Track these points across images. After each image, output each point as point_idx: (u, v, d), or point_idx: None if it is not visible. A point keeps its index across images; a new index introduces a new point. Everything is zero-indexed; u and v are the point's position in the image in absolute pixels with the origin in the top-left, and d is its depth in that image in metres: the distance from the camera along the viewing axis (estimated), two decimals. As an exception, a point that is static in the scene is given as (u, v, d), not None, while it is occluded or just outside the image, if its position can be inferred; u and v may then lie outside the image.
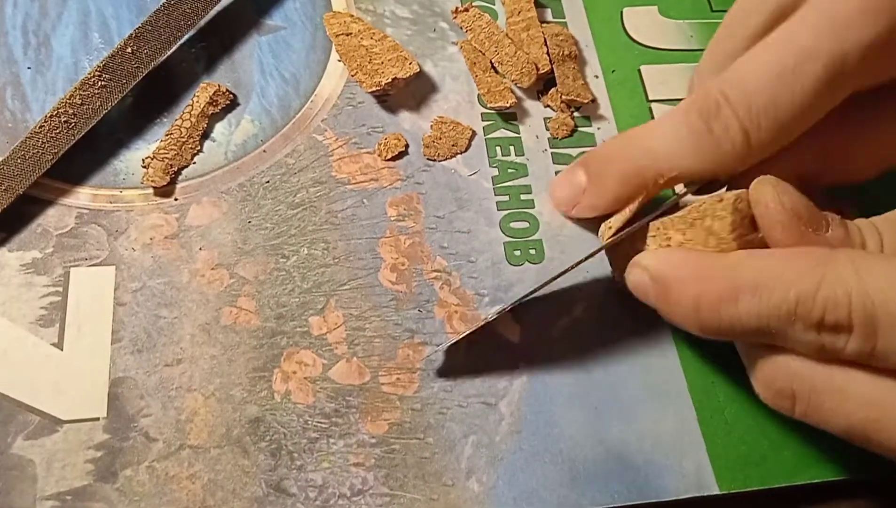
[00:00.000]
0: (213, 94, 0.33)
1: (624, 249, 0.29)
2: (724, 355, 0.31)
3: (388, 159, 0.33)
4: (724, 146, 0.27)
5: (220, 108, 0.33)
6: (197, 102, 0.32)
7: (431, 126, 0.34)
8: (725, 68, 0.28)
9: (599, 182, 0.30)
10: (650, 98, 0.37)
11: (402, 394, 0.28)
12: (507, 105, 0.34)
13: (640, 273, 0.27)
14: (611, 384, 0.30)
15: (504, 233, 0.32)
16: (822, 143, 0.28)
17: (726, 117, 0.27)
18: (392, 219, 0.32)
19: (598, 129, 0.35)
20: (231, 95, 0.33)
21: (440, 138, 0.33)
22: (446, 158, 0.33)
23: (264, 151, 0.32)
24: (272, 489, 0.26)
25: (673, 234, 0.27)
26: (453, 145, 0.33)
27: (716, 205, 0.26)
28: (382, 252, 0.31)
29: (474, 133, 0.34)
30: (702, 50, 0.38)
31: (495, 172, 0.33)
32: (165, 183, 0.31)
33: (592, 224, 0.33)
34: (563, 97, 0.35)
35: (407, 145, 0.33)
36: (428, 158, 0.33)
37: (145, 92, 0.33)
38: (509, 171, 0.34)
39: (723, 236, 0.26)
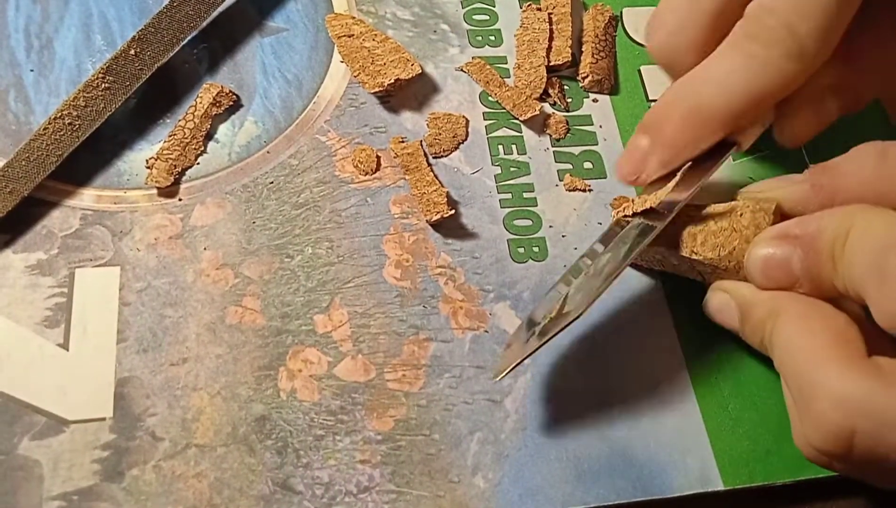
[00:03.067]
0: (217, 95, 0.33)
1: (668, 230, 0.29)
2: (728, 350, 0.31)
3: (366, 174, 0.33)
4: (776, 59, 0.27)
5: (223, 109, 0.33)
6: (200, 102, 0.32)
7: (427, 124, 0.34)
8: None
9: (662, 135, 0.29)
10: (650, 98, 0.37)
11: (408, 391, 0.28)
12: (537, 113, 0.34)
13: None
14: (615, 380, 0.30)
15: (508, 230, 0.32)
16: (858, 54, 0.29)
17: (772, 28, 0.27)
18: (396, 216, 0.32)
19: (601, 127, 0.35)
20: (234, 97, 0.33)
21: (440, 134, 0.34)
22: (451, 151, 0.34)
23: (268, 152, 0.33)
24: (279, 486, 0.26)
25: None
26: (454, 137, 0.34)
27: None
28: (387, 249, 0.31)
29: (468, 120, 0.34)
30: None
31: (498, 170, 0.34)
32: (169, 183, 0.31)
33: (592, 224, 0.33)
34: (588, 79, 0.36)
35: (379, 157, 0.33)
36: (434, 155, 0.33)
37: (148, 94, 0.33)
38: (511, 169, 0.34)
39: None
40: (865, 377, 0.23)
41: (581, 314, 0.26)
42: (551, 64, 0.36)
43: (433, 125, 0.34)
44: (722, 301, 0.29)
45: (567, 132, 0.35)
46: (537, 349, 0.26)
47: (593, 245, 0.30)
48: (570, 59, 0.36)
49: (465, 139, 0.34)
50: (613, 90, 0.37)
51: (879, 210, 0.25)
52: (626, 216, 0.30)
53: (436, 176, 0.32)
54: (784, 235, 0.27)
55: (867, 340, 0.25)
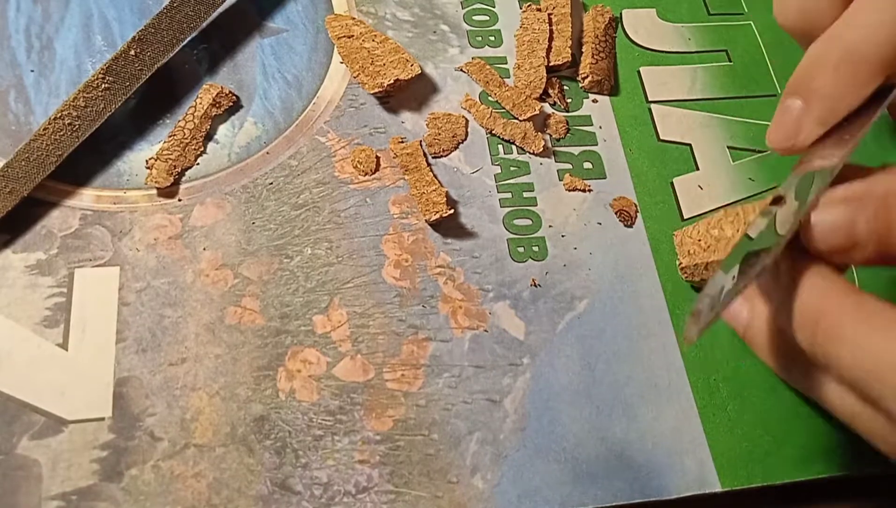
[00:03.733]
0: (217, 95, 0.33)
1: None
2: (726, 352, 0.31)
3: (366, 174, 0.33)
4: None
5: (223, 109, 0.33)
6: (200, 103, 0.33)
7: (427, 124, 0.34)
8: None
9: (816, 91, 0.27)
10: (650, 99, 0.37)
11: (407, 391, 0.28)
12: (537, 112, 0.34)
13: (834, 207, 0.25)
14: (614, 381, 0.30)
15: (507, 230, 0.32)
16: None
17: None
18: (395, 216, 0.32)
19: (601, 127, 0.35)
20: (234, 97, 0.33)
21: (440, 134, 0.34)
22: (451, 151, 0.34)
23: (267, 152, 0.33)
24: (277, 487, 0.26)
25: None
26: (453, 137, 0.34)
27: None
28: (386, 249, 0.31)
29: (467, 120, 0.34)
30: (700, 52, 0.39)
31: (497, 169, 0.34)
32: (169, 184, 0.31)
33: (592, 224, 0.33)
34: (588, 79, 0.36)
35: (378, 158, 0.33)
36: (434, 155, 0.33)
37: (148, 94, 0.33)
38: (511, 169, 0.34)
39: None
40: None
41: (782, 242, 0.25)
42: (551, 64, 0.36)
43: (432, 125, 0.34)
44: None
45: (567, 132, 0.35)
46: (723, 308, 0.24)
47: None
48: (569, 59, 0.36)
49: (465, 139, 0.34)
50: (613, 91, 0.37)
51: None
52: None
53: (435, 176, 0.32)
54: (848, 197, 0.25)
55: None
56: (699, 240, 0.31)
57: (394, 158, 0.33)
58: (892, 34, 0.26)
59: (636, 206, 0.34)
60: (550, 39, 0.36)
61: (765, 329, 0.28)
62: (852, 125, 0.27)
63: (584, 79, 0.36)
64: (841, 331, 0.24)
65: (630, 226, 0.33)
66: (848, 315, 0.24)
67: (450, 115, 0.34)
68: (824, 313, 0.24)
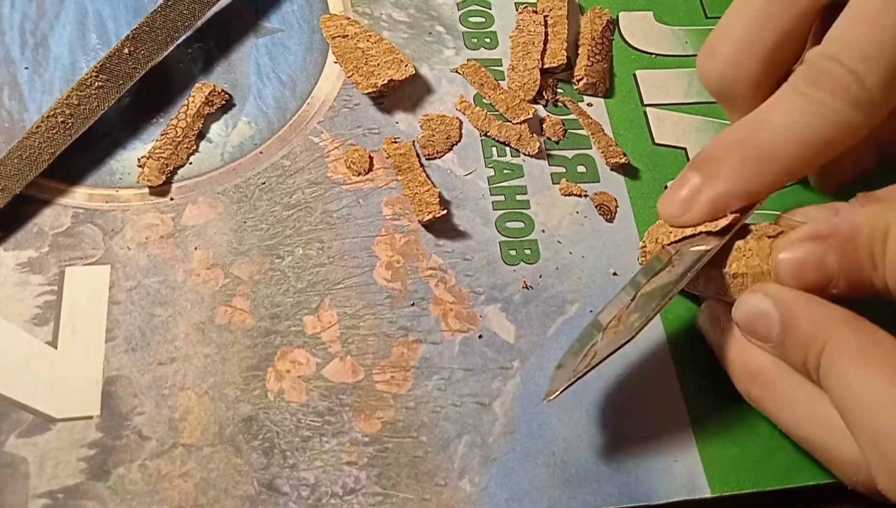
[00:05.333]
0: (209, 94, 0.33)
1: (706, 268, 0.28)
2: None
3: (359, 175, 0.33)
4: (842, 107, 0.26)
5: (215, 108, 0.33)
6: (192, 101, 0.32)
7: (421, 126, 0.34)
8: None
9: (718, 174, 0.28)
10: (645, 102, 0.37)
11: (396, 392, 0.28)
12: (531, 116, 0.34)
13: (763, 302, 0.27)
14: (603, 385, 0.30)
15: (500, 232, 0.32)
16: None
17: (838, 76, 0.26)
18: (387, 218, 0.32)
19: (591, 134, 0.35)
20: (227, 96, 0.33)
21: (433, 136, 0.34)
22: (445, 153, 0.34)
23: (261, 152, 0.33)
24: (264, 487, 0.26)
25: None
26: (447, 138, 0.34)
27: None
28: (377, 250, 0.31)
29: (461, 122, 0.34)
30: (696, 56, 0.38)
31: (491, 172, 0.34)
32: (161, 182, 0.31)
33: (585, 227, 0.33)
34: (583, 81, 0.36)
35: (371, 158, 0.33)
36: (428, 157, 0.33)
37: (142, 92, 0.33)
38: (505, 171, 0.34)
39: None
40: None
41: (633, 337, 0.26)
42: (546, 66, 0.36)
43: (426, 127, 0.34)
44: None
45: (564, 135, 0.35)
46: (588, 372, 0.25)
47: (635, 277, 0.29)
48: (565, 61, 0.36)
49: (459, 141, 0.34)
50: (608, 94, 0.37)
51: None
52: (671, 243, 0.29)
53: (428, 176, 0.32)
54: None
55: None
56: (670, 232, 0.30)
57: (387, 158, 0.33)
58: (803, 141, 0.27)
59: (616, 201, 0.34)
60: (546, 42, 0.36)
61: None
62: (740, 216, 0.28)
63: (578, 81, 0.36)
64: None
65: (610, 221, 0.33)
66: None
67: (444, 116, 0.34)
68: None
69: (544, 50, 0.36)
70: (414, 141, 0.33)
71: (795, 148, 0.27)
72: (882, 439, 0.23)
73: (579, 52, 0.37)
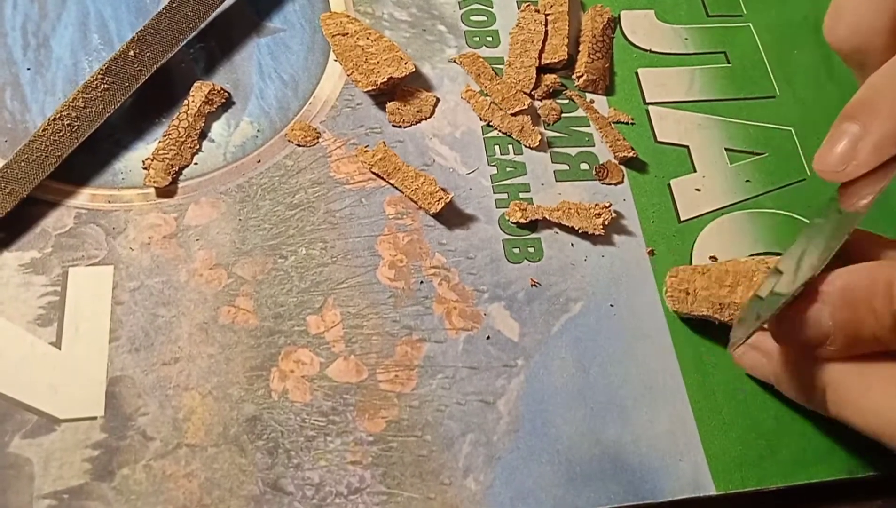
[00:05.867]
0: (209, 93, 0.33)
1: None
2: (722, 355, 0.31)
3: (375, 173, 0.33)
4: None
5: (216, 106, 0.33)
6: (193, 101, 0.32)
7: (396, 95, 0.34)
8: None
9: (878, 117, 0.26)
10: (647, 101, 0.37)
11: (400, 392, 0.28)
12: (526, 107, 0.34)
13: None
14: (608, 384, 0.30)
15: (503, 230, 0.32)
16: None
17: None
18: (390, 217, 0.32)
19: (599, 128, 0.35)
20: (226, 94, 0.33)
21: (404, 106, 0.34)
22: (412, 124, 0.34)
23: (263, 152, 0.33)
24: (269, 487, 0.26)
25: None
26: (418, 112, 0.34)
27: None
28: (381, 250, 0.31)
29: (437, 100, 0.35)
30: (698, 54, 0.38)
31: (494, 170, 0.33)
32: (167, 183, 0.31)
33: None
34: (583, 78, 0.36)
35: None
36: (394, 125, 0.34)
37: (145, 93, 0.33)
38: (508, 169, 0.34)
39: None
40: None
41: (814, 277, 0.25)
42: (547, 62, 0.36)
43: (400, 97, 0.34)
44: (755, 361, 0.29)
45: (558, 119, 0.35)
46: (772, 315, 0.25)
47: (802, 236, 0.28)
48: (566, 57, 0.36)
49: (430, 117, 0.34)
50: (608, 91, 0.37)
51: None
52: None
53: (416, 170, 0.32)
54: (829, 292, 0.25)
55: None
56: (706, 287, 0.31)
57: (370, 168, 0.32)
58: None
59: (618, 166, 0.34)
60: (545, 40, 0.36)
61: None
62: (883, 169, 0.26)
63: (579, 78, 0.36)
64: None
65: (615, 183, 0.34)
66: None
67: (420, 91, 0.34)
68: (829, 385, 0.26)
69: (543, 48, 0.36)
70: (384, 141, 0.33)
71: None
72: None
73: (580, 49, 0.37)
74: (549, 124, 0.35)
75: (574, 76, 0.36)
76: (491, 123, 0.34)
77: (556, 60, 0.36)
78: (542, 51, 0.36)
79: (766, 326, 0.27)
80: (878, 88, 0.26)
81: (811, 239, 0.27)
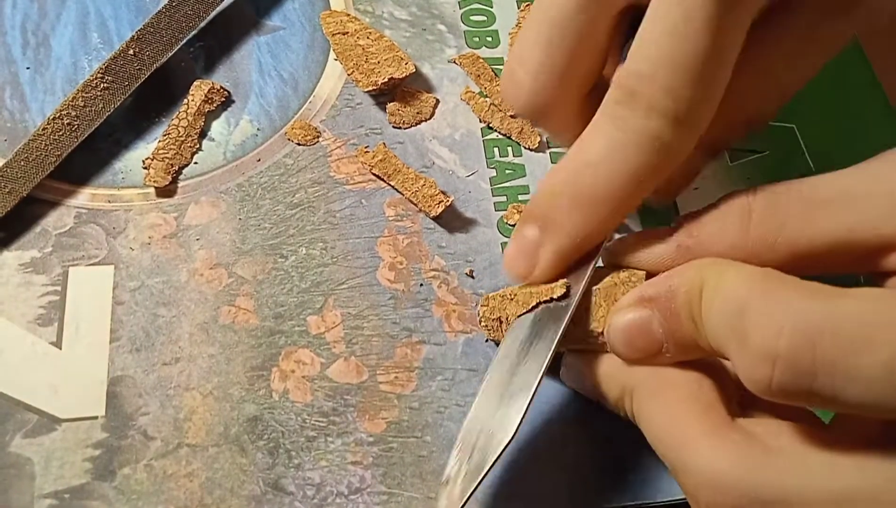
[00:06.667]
0: (208, 91, 0.33)
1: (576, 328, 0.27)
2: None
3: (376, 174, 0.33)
4: (660, 126, 0.24)
5: (215, 105, 0.33)
6: (192, 100, 0.32)
7: (396, 97, 0.34)
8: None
9: (554, 224, 0.26)
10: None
11: (400, 393, 0.29)
12: None
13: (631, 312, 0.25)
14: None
15: (502, 233, 0.32)
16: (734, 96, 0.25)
17: (649, 92, 0.24)
18: (390, 219, 0.32)
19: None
20: (226, 92, 0.33)
21: (404, 107, 0.34)
22: (412, 125, 0.34)
23: (263, 151, 0.33)
24: (270, 487, 0.26)
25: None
26: (418, 113, 0.34)
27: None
28: (381, 251, 0.31)
29: (437, 101, 0.35)
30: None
31: (493, 172, 0.34)
32: (167, 183, 0.31)
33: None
34: None
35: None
36: (394, 126, 0.34)
37: (144, 92, 0.33)
38: (507, 172, 0.34)
39: None
40: (733, 450, 0.22)
41: (512, 439, 0.24)
42: None
43: (400, 98, 0.34)
44: (575, 379, 0.28)
45: None
46: (479, 484, 0.24)
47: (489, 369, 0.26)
48: None
49: (430, 118, 0.34)
50: None
51: (729, 264, 0.23)
52: (520, 316, 0.27)
53: (416, 173, 0.32)
54: (639, 299, 0.25)
55: (743, 396, 0.24)
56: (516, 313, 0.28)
57: (370, 169, 0.32)
58: (627, 174, 0.24)
59: None
60: None
61: None
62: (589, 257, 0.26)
63: None
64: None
65: None
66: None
67: (420, 92, 0.34)
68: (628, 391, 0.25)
69: None
70: (384, 142, 0.33)
71: (624, 182, 0.25)
72: (679, 470, 0.23)
73: None
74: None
75: None
76: (490, 125, 0.34)
77: None
78: None
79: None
80: (552, 194, 0.26)
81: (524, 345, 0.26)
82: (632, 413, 0.26)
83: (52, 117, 0.30)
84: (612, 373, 0.26)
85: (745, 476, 0.21)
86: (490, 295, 0.28)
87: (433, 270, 0.31)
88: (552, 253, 0.26)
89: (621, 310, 0.25)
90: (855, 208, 0.23)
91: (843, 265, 0.24)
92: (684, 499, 0.28)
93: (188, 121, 0.32)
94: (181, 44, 0.33)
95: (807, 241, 0.24)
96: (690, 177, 0.29)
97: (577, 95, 0.27)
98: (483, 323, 0.28)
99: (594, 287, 0.26)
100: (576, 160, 0.26)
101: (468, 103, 0.35)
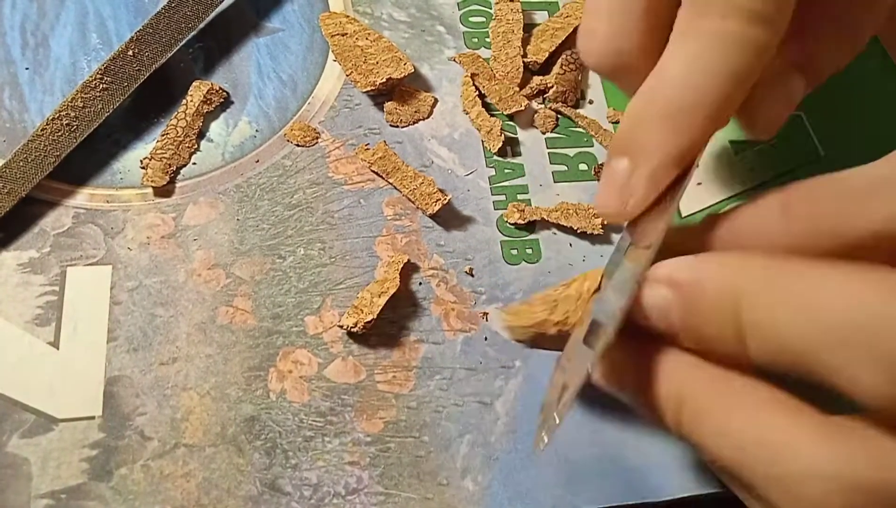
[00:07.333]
0: (207, 92, 0.33)
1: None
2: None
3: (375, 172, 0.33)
4: (740, 28, 0.23)
5: (214, 106, 0.33)
6: (191, 100, 0.32)
7: (393, 96, 0.34)
8: None
9: (643, 148, 0.25)
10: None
11: (398, 392, 0.28)
12: (523, 108, 0.34)
13: (656, 287, 0.23)
14: (607, 384, 0.30)
15: (501, 232, 0.32)
16: (811, 23, 0.26)
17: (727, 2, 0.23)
18: (388, 218, 0.32)
19: (593, 134, 0.35)
20: (224, 93, 0.33)
21: (401, 106, 0.34)
22: (409, 124, 0.34)
23: (261, 152, 0.33)
24: (267, 487, 0.26)
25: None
26: (416, 112, 0.34)
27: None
28: (379, 251, 0.31)
29: (436, 100, 0.35)
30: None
31: (492, 171, 0.33)
32: (165, 183, 0.31)
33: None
34: (553, 89, 0.35)
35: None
36: (391, 125, 0.34)
37: (143, 93, 0.33)
38: (506, 171, 0.34)
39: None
40: (861, 449, 0.19)
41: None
42: (528, 60, 0.36)
43: (398, 96, 0.34)
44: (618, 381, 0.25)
45: (555, 127, 0.35)
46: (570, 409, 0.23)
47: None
48: (542, 60, 0.36)
49: (428, 117, 0.34)
50: (577, 104, 0.36)
51: (774, 275, 0.21)
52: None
53: (415, 171, 0.32)
54: (668, 280, 0.23)
55: None
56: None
57: (369, 167, 0.32)
58: (714, 79, 0.24)
59: None
60: (526, 30, 0.36)
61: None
62: (670, 190, 0.25)
63: (549, 88, 0.35)
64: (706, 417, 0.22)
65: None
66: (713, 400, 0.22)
67: (419, 91, 0.34)
68: (686, 400, 0.22)
69: (525, 38, 0.36)
70: (384, 140, 0.33)
71: (709, 87, 0.24)
72: (779, 476, 0.20)
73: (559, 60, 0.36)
74: (545, 133, 0.35)
75: (545, 85, 0.36)
76: (470, 116, 0.34)
77: (536, 61, 0.36)
78: (525, 40, 0.36)
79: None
80: (636, 117, 0.25)
81: (611, 280, 0.25)
82: (681, 428, 0.23)
83: (50, 118, 0.30)
84: (664, 378, 0.23)
85: (886, 475, 0.19)
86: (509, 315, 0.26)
87: (432, 268, 0.31)
88: (645, 178, 0.25)
89: (651, 284, 0.23)
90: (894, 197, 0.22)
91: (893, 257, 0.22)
92: (684, 498, 0.28)
93: (186, 121, 0.32)
94: (180, 45, 0.33)
95: (851, 230, 0.22)
96: (791, 103, 0.28)
97: (654, 37, 0.26)
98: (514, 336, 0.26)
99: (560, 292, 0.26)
100: (656, 79, 0.25)
101: (459, 62, 0.35)
